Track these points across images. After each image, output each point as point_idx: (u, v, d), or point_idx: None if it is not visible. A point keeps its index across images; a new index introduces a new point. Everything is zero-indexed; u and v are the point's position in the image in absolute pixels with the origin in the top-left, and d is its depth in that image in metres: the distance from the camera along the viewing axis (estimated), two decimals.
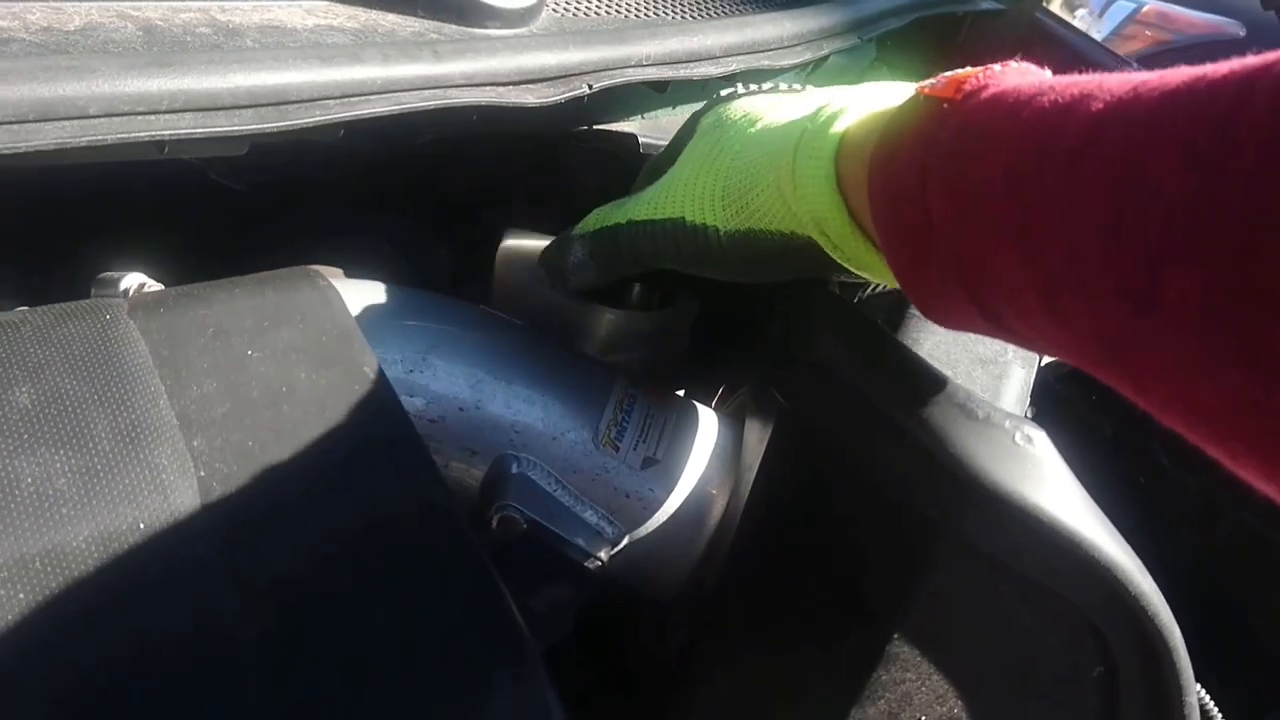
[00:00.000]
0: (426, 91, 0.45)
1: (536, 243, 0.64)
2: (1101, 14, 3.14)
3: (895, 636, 0.40)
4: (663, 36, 0.57)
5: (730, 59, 0.62)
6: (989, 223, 0.30)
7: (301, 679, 0.29)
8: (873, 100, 0.40)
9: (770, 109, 0.45)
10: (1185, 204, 0.24)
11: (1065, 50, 1.07)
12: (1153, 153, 0.25)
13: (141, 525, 0.31)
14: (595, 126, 0.62)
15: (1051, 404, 0.73)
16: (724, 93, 0.49)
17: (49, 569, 0.30)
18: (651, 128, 0.65)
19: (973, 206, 0.31)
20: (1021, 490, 0.38)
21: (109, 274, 0.42)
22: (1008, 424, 0.40)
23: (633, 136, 0.63)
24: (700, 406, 0.55)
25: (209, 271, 0.57)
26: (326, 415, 0.37)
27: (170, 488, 0.33)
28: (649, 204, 0.46)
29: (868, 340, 0.42)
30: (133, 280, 0.42)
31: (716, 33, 0.62)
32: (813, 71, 0.76)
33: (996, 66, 0.34)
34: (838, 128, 0.38)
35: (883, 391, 0.40)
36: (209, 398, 0.36)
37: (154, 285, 0.42)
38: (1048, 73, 0.33)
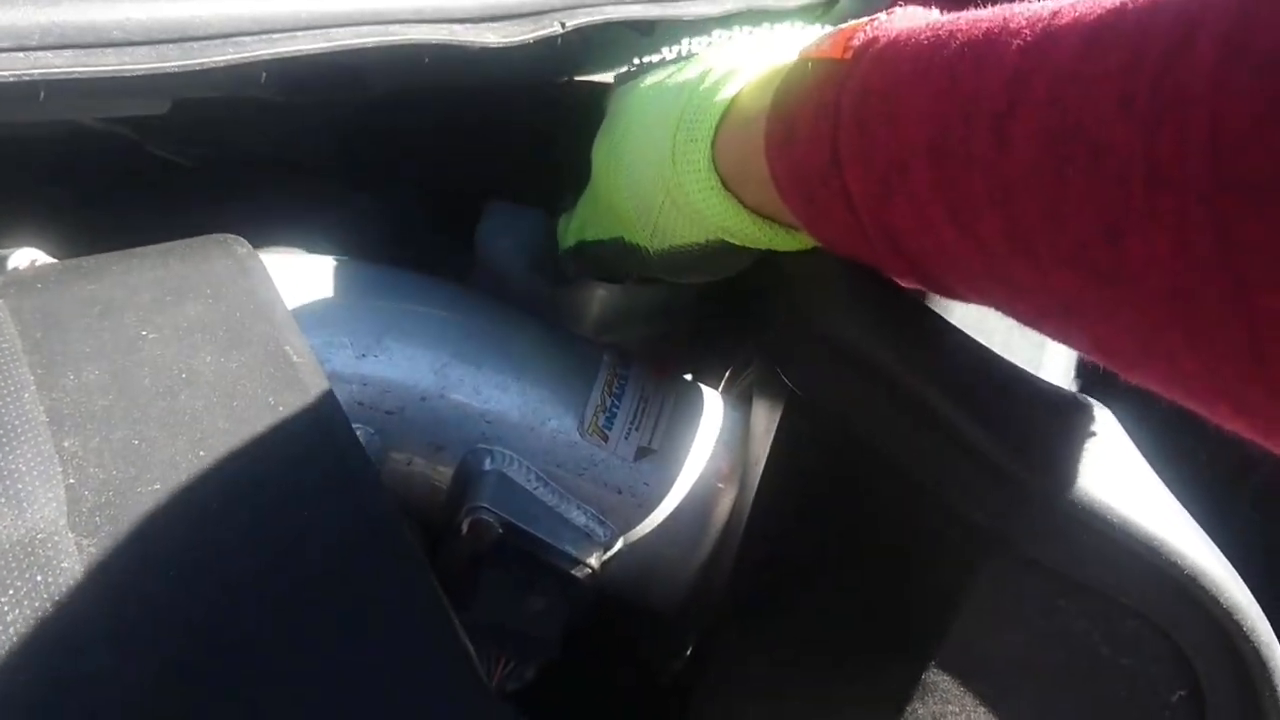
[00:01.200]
0: (365, 27, 0.38)
1: (520, 215, 0.57)
2: None
3: (933, 662, 0.33)
4: None
5: None
6: (917, 197, 0.28)
7: None
8: (750, 64, 0.36)
9: (655, 93, 0.40)
10: (1138, 163, 0.21)
11: None
12: (1086, 108, 0.22)
13: None
14: (576, 78, 0.55)
15: (1098, 372, 0.66)
16: (616, 74, 0.45)
17: None
18: None
19: (897, 181, 0.28)
20: (1085, 486, 0.31)
21: None
22: (1066, 404, 0.33)
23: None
24: (703, 388, 0.48)
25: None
26: (236, 406, 0.30)
27: (27, 499, 0.26)
28: (592, 224, 0.44)
29: (891, 308, 0.35)
30: (23, 257, 0.36)
31: None
32: (823, 15, 0.68)
33: (882, 15, 0.31)
34: (709, 118, 0.35)
35: (913, 369, 0.33)
36: (88, 387, 0.29)
37: (49, 261, 0.36)
38: (935, 12, 0.30)
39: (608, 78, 0.57)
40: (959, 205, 0.26)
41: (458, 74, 0.44)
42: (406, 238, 0.64)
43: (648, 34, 0.51)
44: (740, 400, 0.49)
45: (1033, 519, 0.32)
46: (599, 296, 0.56)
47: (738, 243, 0.37)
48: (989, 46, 0.26)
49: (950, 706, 0.34)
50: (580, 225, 0.45)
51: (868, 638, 0.36)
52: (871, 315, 0.35)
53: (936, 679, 0.34)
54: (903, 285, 0.34)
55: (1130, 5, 0.22)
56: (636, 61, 0.43)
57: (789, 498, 0.38)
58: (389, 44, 0.39)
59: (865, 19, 0.31)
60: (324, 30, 0.37)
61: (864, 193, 0.29)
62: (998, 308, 0.30)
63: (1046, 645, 0.34)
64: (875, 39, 0.30)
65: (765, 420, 0.41)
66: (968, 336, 0.34)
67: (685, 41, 0.42)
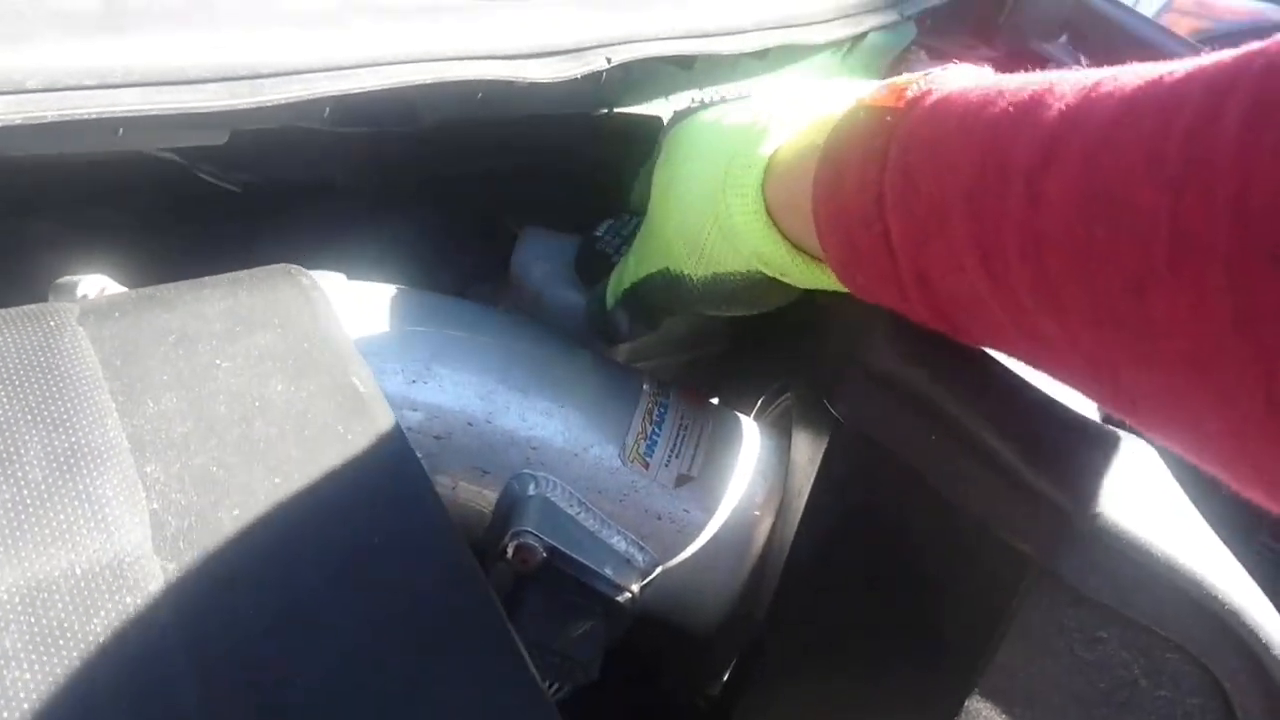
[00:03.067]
0: (423, 65, 0.40)
1: (555, 240, 0.58)
2: (1136, 2, 3.03)
3: (975, 689, 0.34)
4: (689, 6, 0.52)
5: (762, 33, 0.56)
6: (953, 244, 0.29)
7: None
8: (806, 109, 0.38)
9: (714, 127, 0.42)
10: (1163, 225, 0.22)
11: (1114, 29, 1.01)
12: (1117, 170, 0.23)
13: (77, 571, 0.26)
14: (616, 110, 0.56)
15: None
16: (675, 110, 0.46)
17: None
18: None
19: (936, 227, 0.29)
20: (1130, 519, 0.32)
21: (68, 278, 0.37)
22: (1110, 439, 0.33)
23: (658, 120, 0.57)
24: (739, 416, 0.49)
25: (195, 273, 0.53)
26: (306, 434, 0.31)
27: (115, 524, 0.27)
28: (643, 259, 0.45)
29: (939, 342, 0.36)
30: (93, 284, 0.37)
31: (748, 4, 0.56)
32: (849, 51, 0.70)
33: (938, 70, 0.32)
34: (764, 150, 0.37)
35: (961, 405, 0.34)
36: (167, 415, 0.30)
37: (116, 290, 0.37)
38: (989, 71, 0.32)
39: (645, 110, 0.58)
40: (992, 255, 0.27)
41: (505, 107, 0.46)
42: (441, 261, 0.65)
43: (687, 68, 0.53)
44: (775, 427, 0.50)
45: (1079, 552, 0.33)
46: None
47: (771, 273, 0.38)
48: (1032, 107, 0.27)
49: None
50: (632, 266, 0.46)
51: (910, 664, 0.37)
52: (920, 350, 0.36)
53: (978, 706, 0.34)
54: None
55: (1166, 77, 0.23)
56: (698, 99, 0.45)
57: (835, 526, 0.39)
58: (446, 80, 0.40)
59: (920, 73, 0.32)
60: (385, 67, 0.39)
61: (904, 236, 0.30)
62: (1026, 362, 0.31)
63: (1087, 675, 0.34)
64: (928, 92, 0.31)
65: (807, 450, 0.42)
66: (1014, 371, 0.35)
67: (742, 83, 0.44)
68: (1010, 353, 0.31)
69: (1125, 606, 0.33)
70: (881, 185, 0.31)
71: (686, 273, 0.42)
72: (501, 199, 0.65)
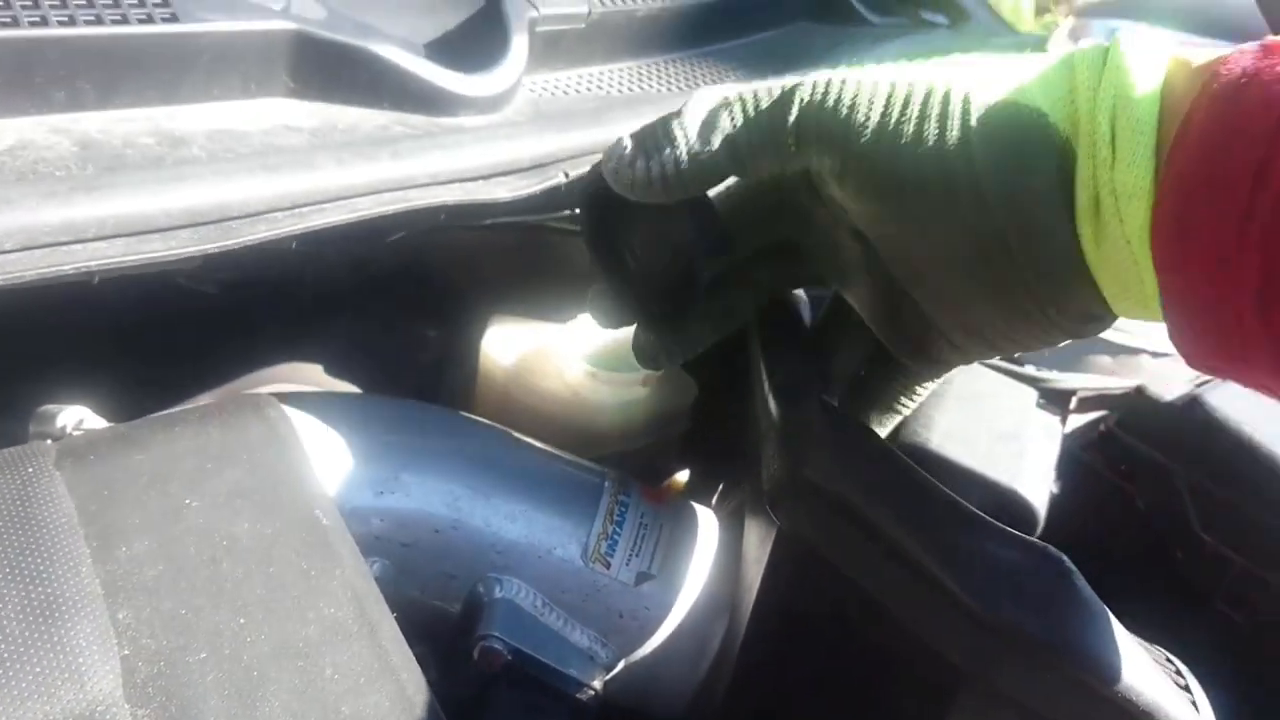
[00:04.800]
0: (386, 195, 0.42)
1: (524, 329, 0.60)
2: None
3: None
4: (647, 114, 0.54)
5: None
6: None
7: None
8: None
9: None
10: None
11: None
12: None
13: None
14: (578, 210, 0.59)
15: (1079, 475, 0.69)
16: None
17: None
18: None
19: None
20: (1049, 629, 0.34)
21: (48, 408, 0.39)
22: (1031, 551, 0.36)
23: None
24: (698, 509, 0.51)
25: (178, 376, 0.55)
26: (271, 571, 0.33)
27: (88, 674, 0.29)
28: (870, 69, 0.36)
29: (876, 464, 0.38)
30: (71, 416, 0.38)
31: None
32: None
33: None
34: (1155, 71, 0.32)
35: (888, 517, 0.36)
36: (139, 559, 0.32)
37: (95, 420, 0.39)
38: None
39: None
40: None
41: (468, 219, 0.48)
42: (412, 344, 0.67)
43: None
44: (733, 519, 0.52)
45: (1006, 661, 0.35)
46: (602, 415, 0.59)
47: (1097, 138, 0.32)
48: None
49: None
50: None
51: None
52: (853, 463, 0.38)
53: None
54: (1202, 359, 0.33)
55: None
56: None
57: (781, 627, 0.41)
58: (410, 209, 0.42)
59: None
60: (349, 200, 0.41)
61: None
62: None
63: None
64: None
65: (756, 548, 0.44)
66: (953, 495, 0.37)
67: None
68: None
69: (1052, 711, 0.35)
70: None
71: (962, 89, 0.34)
72: (472, 282, 0.67)
